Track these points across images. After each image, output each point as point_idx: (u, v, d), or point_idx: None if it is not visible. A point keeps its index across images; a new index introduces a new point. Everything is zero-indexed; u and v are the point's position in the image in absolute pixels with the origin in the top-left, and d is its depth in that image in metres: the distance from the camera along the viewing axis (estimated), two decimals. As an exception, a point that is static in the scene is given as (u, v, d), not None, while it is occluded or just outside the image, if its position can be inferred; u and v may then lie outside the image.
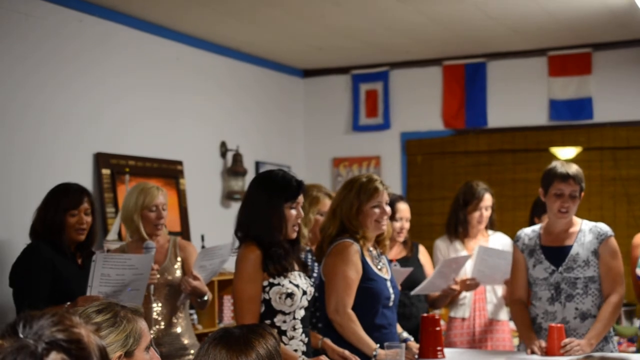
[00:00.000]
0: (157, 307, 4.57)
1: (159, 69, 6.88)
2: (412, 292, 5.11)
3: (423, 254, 5.48)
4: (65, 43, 5.99)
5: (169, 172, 6.86)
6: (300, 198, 3.91)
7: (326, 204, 4.71)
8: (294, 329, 3.86)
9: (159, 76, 6.88)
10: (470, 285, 5.28)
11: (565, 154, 7.75)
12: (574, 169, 4.39)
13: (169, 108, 6.97)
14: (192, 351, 4.62)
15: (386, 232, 4.33)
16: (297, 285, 3.84)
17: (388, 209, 4.25)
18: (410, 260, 5.34)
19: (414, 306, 5.24)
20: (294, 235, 3.91)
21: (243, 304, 3.80)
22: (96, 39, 6.25)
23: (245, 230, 3.89)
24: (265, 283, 3.81)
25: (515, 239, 4.60)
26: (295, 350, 3.83)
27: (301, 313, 3.88)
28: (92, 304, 2.65)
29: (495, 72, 8.13)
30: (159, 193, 4.64)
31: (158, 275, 4.52)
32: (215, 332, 2.55)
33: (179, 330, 4.64)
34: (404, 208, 5.29)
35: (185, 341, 4.65)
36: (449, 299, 5.36)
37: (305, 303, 3.88)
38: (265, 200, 3.86)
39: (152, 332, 4.37)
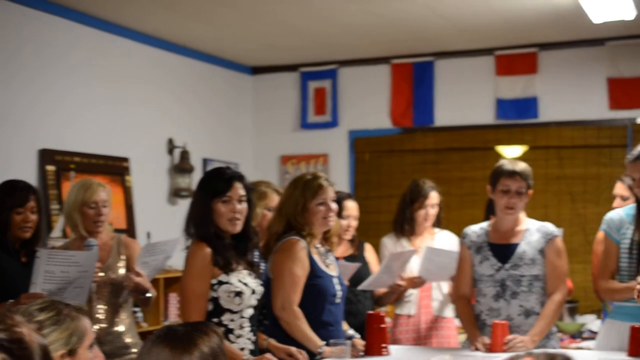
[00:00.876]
0: (99, 306, 4.51)
1: (105, 64, 6.82)
2: (359, 287, 5.11)
3: (369, 252, 5.50)
4: (9, 37, 5.91)
5: (115, 168, 6.80)
6: (235, 192, 3.86)
7: (274, 199, 4.70)
8: (242, 327, 3.85)
9: (106, 72, 6.82)
10: (417, 282, 5.30)
11: (511, 152, 7.84)
12: (521, 166, 4.44)
13: (116, 104, 6.91)
14: (134, 350, 4.57)
15: (333, 228, 4.34)
16: (245, 284, 3.84)
17: (334, 205, 4.26)
18: (356, 258, 5.34)
19: (360, 303, 5.25)
20: (234, 229, 3.88)
21: (190, 300, 3.78)
22: (41, 34, 6.17)
23: (191, 228, 3.90)
24: (214, 281, 3.80)
25: (462, 235, 4.64)
26: (242, 349, 3.82)
27: (249, 312, 3.87)
28: (35, 301, 2.62)
29: (443, 71, 8.19)
30: (99, 189, 4.55)
31: (101, 274, 4.47)
32: (159, 330, 2.54)
33: (121, 329, 4.58)
34: (351, 206, 5.30)
35: (127, 340, 4.59)
36: (395, 296, 5.36)
37: (253, 302, 3.88)
38: (197, 197, 3.92)
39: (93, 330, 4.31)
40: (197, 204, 3.90)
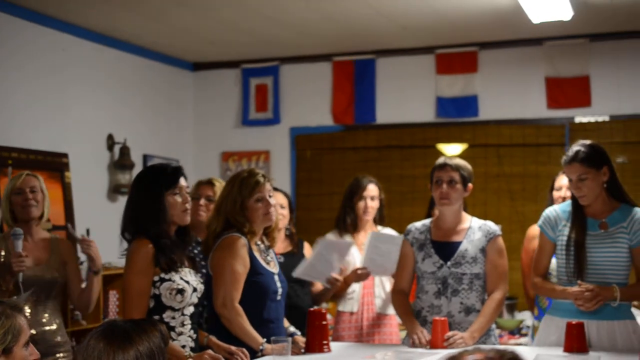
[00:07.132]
0: (27, 307, 4.43)
1: (44, 59, 6.73)
2: (294, 274, 5.05)
3: (308, 251, 5.48)
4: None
5: (53, 164, 6.71)
6: (182, 182, 3.87)
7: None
8: (183, 325, 3.83)
9: (45, 67, 6.73)
10: (361, 275, 5.29)
11: (451, 150, 7.91)
12: (454, 159, 4.52)
13: (55, 99, 6.82)
14: (64, 349, 4.54)
15: (274, 224, 4.34)
16: (187, 282, 3.82)
17: (273, 200, 4.27)
18: (296, 255, 5.33)
19: (299, 297, 5.22)
20: (186, 220, 3.88)
21: (132, 297, 3.75)
22: (-22, 27, 6.07)
23: (134, 227, 3.84)
24: (156, 278, 3.77)
25: (405, 232, 4.66)
26: (184, 347, 3.81)
27: (190, 309, 3.86)
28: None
29: (384, 68, 8.23)
30: (27, 177, 4.57)
31: (27, 264, 4.39)
32: (103, 323, 2.51)
33: (54, 327, 4.53)
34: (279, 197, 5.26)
35: (58, 339, 4.54)
36: (332, 292, 5.34)
37: (195, 300, 3.87)
38: (145, 193, 3.83)
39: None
40: (144, 200, 3.82)
